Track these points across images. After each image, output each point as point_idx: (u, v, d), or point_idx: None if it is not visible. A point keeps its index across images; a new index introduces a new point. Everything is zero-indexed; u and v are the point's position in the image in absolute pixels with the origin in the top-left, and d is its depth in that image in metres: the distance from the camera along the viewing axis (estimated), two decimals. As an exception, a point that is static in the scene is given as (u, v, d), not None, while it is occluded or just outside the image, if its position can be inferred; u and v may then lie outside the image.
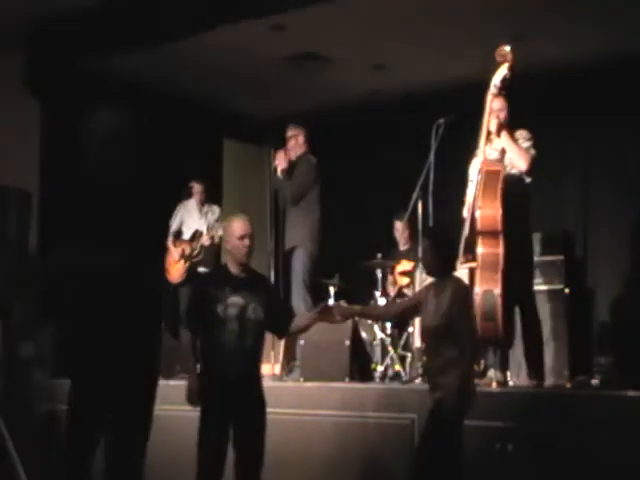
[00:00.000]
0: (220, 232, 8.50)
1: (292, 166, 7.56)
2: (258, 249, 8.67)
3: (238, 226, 5.10)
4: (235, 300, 4.96)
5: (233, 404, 4.90)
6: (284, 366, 7.48)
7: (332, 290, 7.59)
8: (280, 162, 7.53)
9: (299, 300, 7.26)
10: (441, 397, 4.71)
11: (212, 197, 8.92)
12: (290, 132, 7.66)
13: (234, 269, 5.09)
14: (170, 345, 6.23)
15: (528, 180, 6.14)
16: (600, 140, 9.02)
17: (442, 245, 4.96)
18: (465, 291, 4.95)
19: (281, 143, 7.74)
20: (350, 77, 9.19)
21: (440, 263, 4.91)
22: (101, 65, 8.62)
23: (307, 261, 7.41)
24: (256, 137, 10.18)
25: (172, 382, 6.28)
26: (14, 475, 5.21)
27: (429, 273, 5.13)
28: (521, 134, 6.16)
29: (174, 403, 5.49)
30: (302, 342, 6.96)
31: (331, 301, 7.17)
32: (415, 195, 6.88)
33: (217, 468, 4.86)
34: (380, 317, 5.86)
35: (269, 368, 7.38)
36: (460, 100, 7.89)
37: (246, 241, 5.06)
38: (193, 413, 4.95)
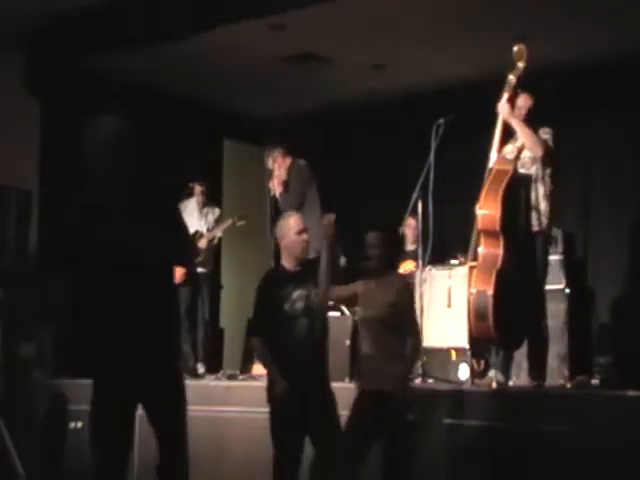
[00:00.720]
0: (220, 234, 8.51)
1: (287, 183, 7.65)
2: (259, 249, 8.75)
3: (294, 222, 5.24)
4: (299, 294, 5.06)
5: (310, 398, 4.96)
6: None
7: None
8: (276, 188, 7.67)
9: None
10: (388, 389, 4.79)
11: (212, 197, 8.90)
12: (269, 162, 7.75)
13: (290, 265, 5.19)
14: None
15: (548, 171, 6.09)
16: (600, 140, 9.01)
17: (389, 239, 5.10)
18: (409, 287, 5.08)
19: (280, 143, 7.79)
20: (350, 77, 9.18)
21: (386, 257, 5.06)
22: (101, 65, 8.61)
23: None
24: (256, 137, 10.17)
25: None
26: (14, 474, 5.22)
27: (373, 268, 5.16)
28: (544, 130, 6.11)
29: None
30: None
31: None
32: (415, 195, 6.87)
33: (297, 467, 4.97)
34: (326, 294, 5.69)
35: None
36: (460, 100, 7.91)
37: (304, 235, 5.20)
38: (192, 413, 4.92)
